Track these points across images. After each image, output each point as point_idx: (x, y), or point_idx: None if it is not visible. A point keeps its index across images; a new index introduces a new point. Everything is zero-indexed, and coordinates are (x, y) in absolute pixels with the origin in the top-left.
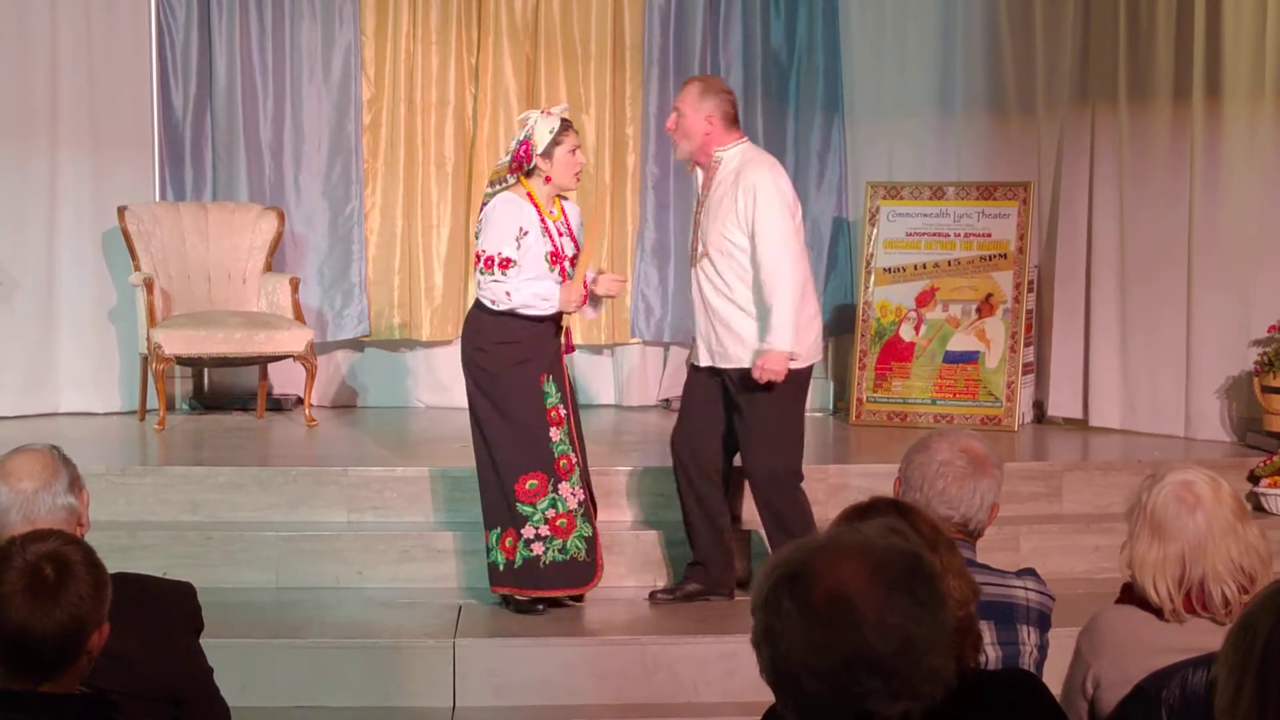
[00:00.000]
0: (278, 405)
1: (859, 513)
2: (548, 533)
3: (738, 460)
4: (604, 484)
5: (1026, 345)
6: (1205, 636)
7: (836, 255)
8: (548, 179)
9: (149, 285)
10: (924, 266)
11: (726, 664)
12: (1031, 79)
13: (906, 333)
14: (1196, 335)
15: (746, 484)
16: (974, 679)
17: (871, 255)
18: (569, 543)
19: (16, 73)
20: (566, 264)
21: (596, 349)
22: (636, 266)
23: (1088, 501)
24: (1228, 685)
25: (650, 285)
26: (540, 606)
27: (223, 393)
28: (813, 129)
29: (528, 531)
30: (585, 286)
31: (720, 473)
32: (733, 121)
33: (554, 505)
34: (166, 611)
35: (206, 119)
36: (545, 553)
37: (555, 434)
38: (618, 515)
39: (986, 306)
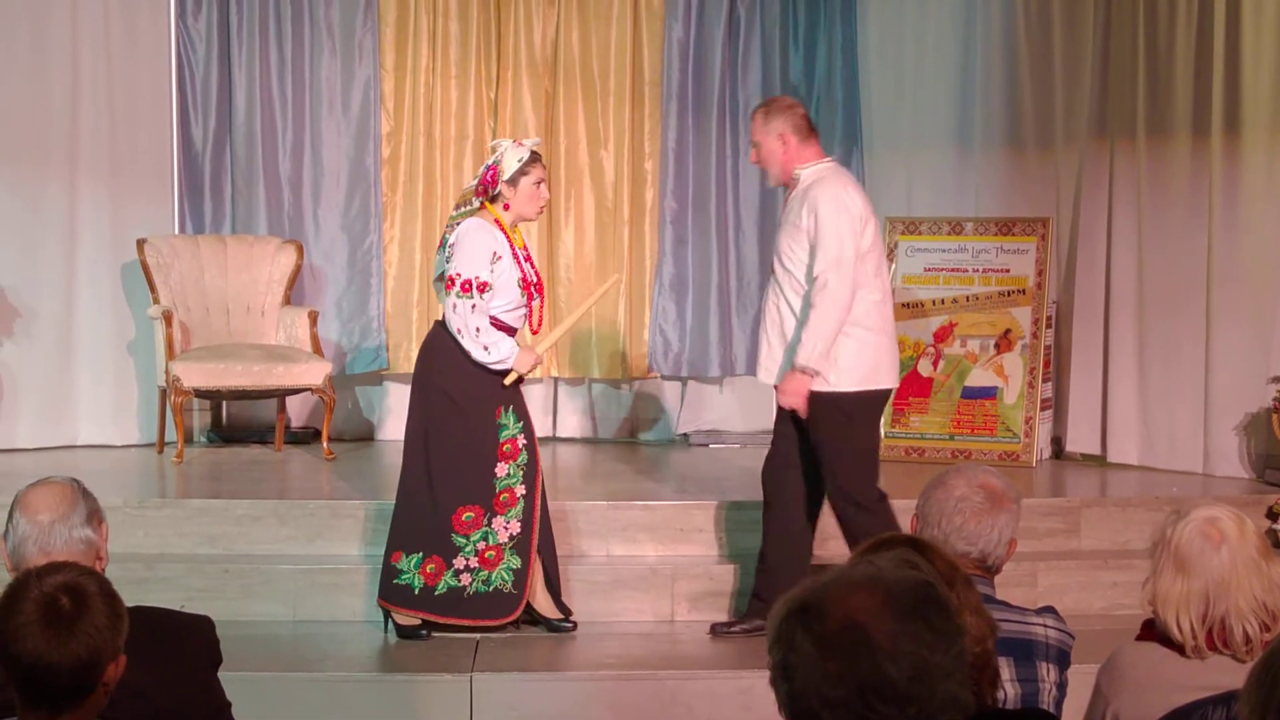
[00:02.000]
0: (296, 438)
1: (873, 549)
2: (476, 564)
3: None
4: (622, 519)
5: (1045, 381)
6: (1225, 675)
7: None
8: (506, 206)
9: (168, 318)
10: (942, 302)
11: (743, 699)
12: (1050, 114)
13: (925, 368)
14: (1215, 371)
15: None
16: (992, 716)
17: (890, 290)
18: (494, 574)
19: (37, 104)
20: (534, 287)
21: (615, 384)
22: (655, 301)
23: (1106, 538)
24: None
25: (669, 320)
26: (424, 632)
27: (241, 425)
28: None
29: (458, 562)
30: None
31: (796, 507)
32: (808, 135)
33: (485, 538)
34: (185, 645)
35: (226, 152)
36: (471, 584)
37: (502, 469)
38: (636, 550)
39: (1005, 342)
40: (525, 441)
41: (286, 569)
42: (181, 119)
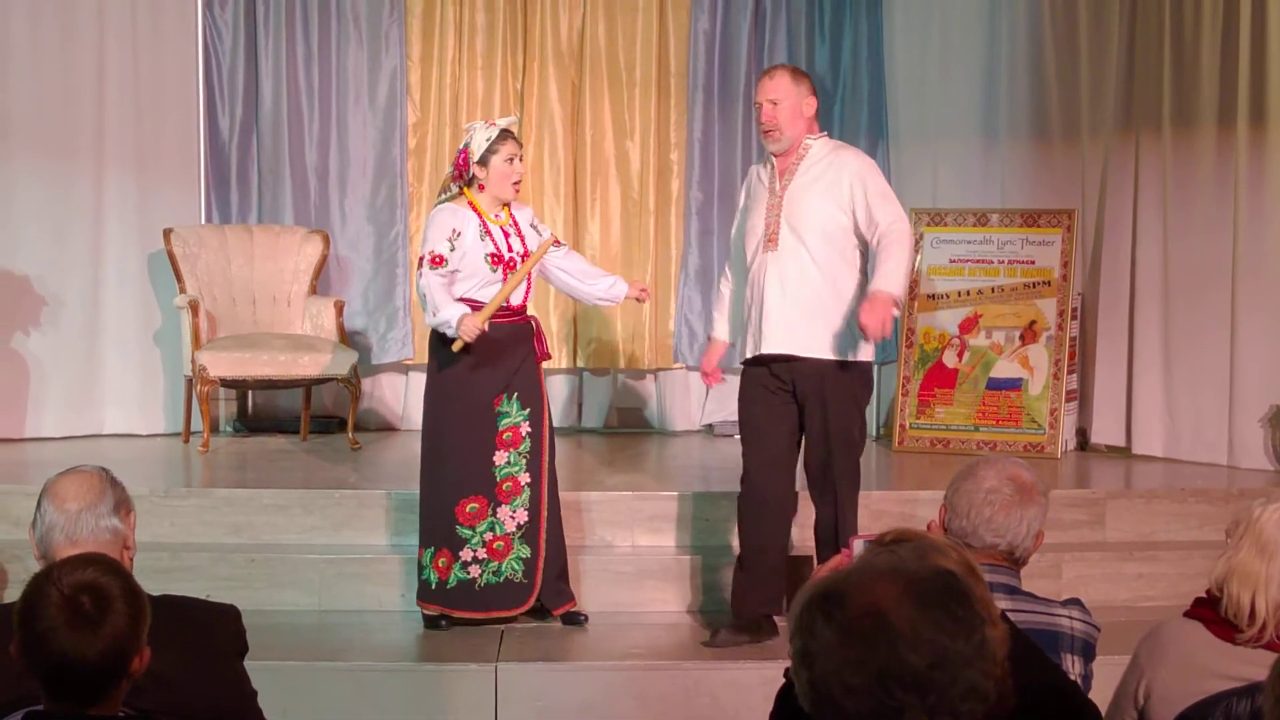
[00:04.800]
0: (321, 428)
1: (890, 544)
2: (484, 555)
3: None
4: (647, 509)
5: (1070, 372)
6: (1261, 668)
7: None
8: (481, 187)
9: (194, 308)
10: (968, 293)
11: (768, 689)
12: (1076, 105)
13: (950, 359)
14: (1240, 363)
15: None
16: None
17: (915, 281)
18: (504, 565)
19: (64, 96)
20: (519, 261)
21: (639, 374)
22: (680, 292)
23: (1130, 529)
24: (1273, 715)
25: (694, 310)
26: (444, 622)
27: (267, 415)
28: None
29: (465, 554)
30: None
31: (790, 504)
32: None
33: (492, 529)
34: (211, 634)
35: (252, 142)
36: (481, 575)
37: (501, 457)
38: (660, 540)
39: (1030, 333)
40: (530, 430)
41: (312, 558)
42: (208, 109)
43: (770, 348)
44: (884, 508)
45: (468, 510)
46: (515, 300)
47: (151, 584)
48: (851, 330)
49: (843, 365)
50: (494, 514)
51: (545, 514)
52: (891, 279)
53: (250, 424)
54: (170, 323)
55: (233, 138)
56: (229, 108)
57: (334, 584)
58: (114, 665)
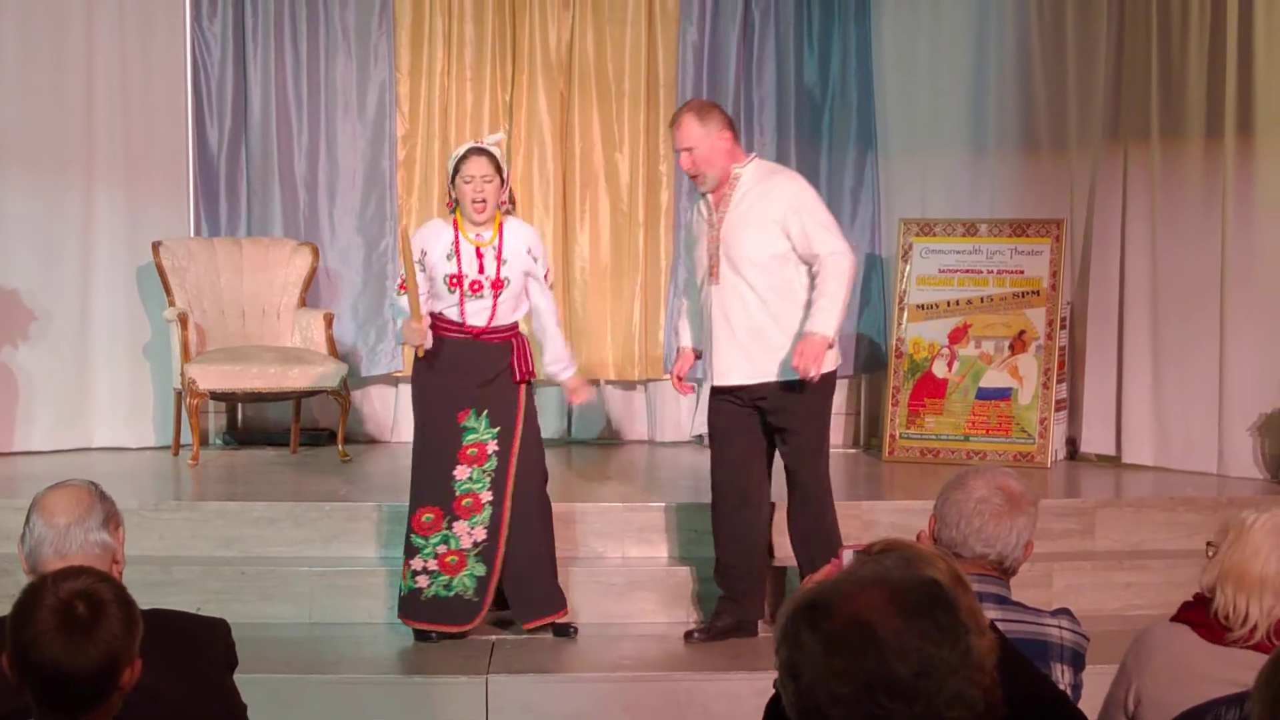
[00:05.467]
0: (311, 440)
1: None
2: (435, 568)
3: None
4: (638, 520)
5: (1059, 382)
6: (1249, 670)
7: (870, 291)
8: (450, 204)
9: (183, 320)
10: (957, 303)
11: (759, 700)
12: (1064, 116)
13: (939, 369)
14: (1229, 372)
15: (777, 516)
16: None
17: (904, 292)
18: (456, 580)
19: (52, 108)
20: (484, 285)
21: (629, 385)
22: (670, 303)
23: (1120, 539)
24: None
25: None
26: (434, 635)
27: (256, 428)
28: (846, 165)
29: (416, 563)
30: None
31: (761, 504)
32: (735, 130)
33: (445, 542)
34: (201, 648)
35: (241, 154)
36: (429, 587)
37: (463, 471)
38: (650, 551)
39: (1019, 343)
40: (498, 448)
41: (302, 571)
42: (197, 121)
43: (721, 380)
44: (874, 517)
45: (423, 520)
46: (476, 322)
47: (141, 598)
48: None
49: (798, 383)
50: (449, 528)
51: (505, 534)
52: (825, 318)
53: (240, 437)
54: (159, 336)
55: (221, 150)
56: (218, 120)
57: (324, 597)
58: (107, 673)
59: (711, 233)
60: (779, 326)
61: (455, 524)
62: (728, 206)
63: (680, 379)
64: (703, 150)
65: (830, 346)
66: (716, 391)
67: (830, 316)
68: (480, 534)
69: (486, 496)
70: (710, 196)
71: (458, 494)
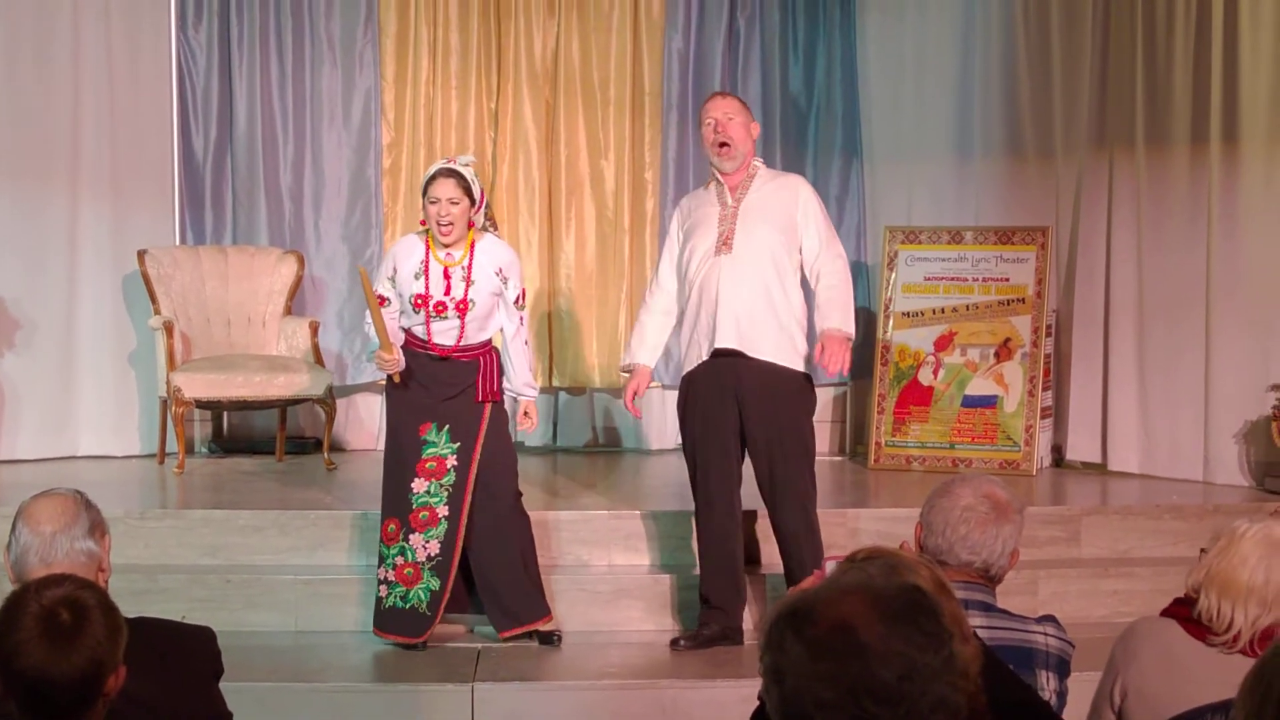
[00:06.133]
0: (297, 448)
1: (860, 561)
2: (394, 578)
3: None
4: (621, 528)
5: (1045, 389)
6: (1234, 673)
7: (855, 299)
8: (423, 222)
9: (168, 329)
10: (942, 311)
11: (745, 708)
12: (1049, 124)
13: (925, 377)
14: (1215, 380)
15: (761, 524)
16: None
17: (890, 299)
18: (412, 593)
19: (38, 116)
20: (448, 306)
21: (616, 393)
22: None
23: (1106, 546)
24: None
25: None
26: (420, 644)
27: (242, 436)
28: (831, 173)
29: (380, 573)
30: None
31: (739, 509)
32: None
33: (403, 554)
34: (186, 656)
35: (227, 163)
36: (388, 597)
37: (420, 485)
38: (635, 559)
39: (1005, 350)
40: (456, 464)
41: (288, 579)
42: (182, 130)
43: (723, 342)
44: (860, 525)
45: (388, 530)
46: (443, 341)
47: (127, 606)
48: (793, 340)
49: (789, 371)
50: (406, 539)
51: (459, 550)
52: (845, 316)
53: (225, 445)
54: (145, 344)
55: (207, 158)
56: (203, 128)
57: (310, 605)
58: (90, 680)
59: (725, 211)
60: (785, 308)
61: (411, 536)
62: (746, 190)
63: (634, 396)
64: (739, 125)
65: (849, 342)
66: (698, 372)
67: (849, 315)
68: (434, 548)
69: (443, 511)
70: (725, 180)
71: (415, 506)
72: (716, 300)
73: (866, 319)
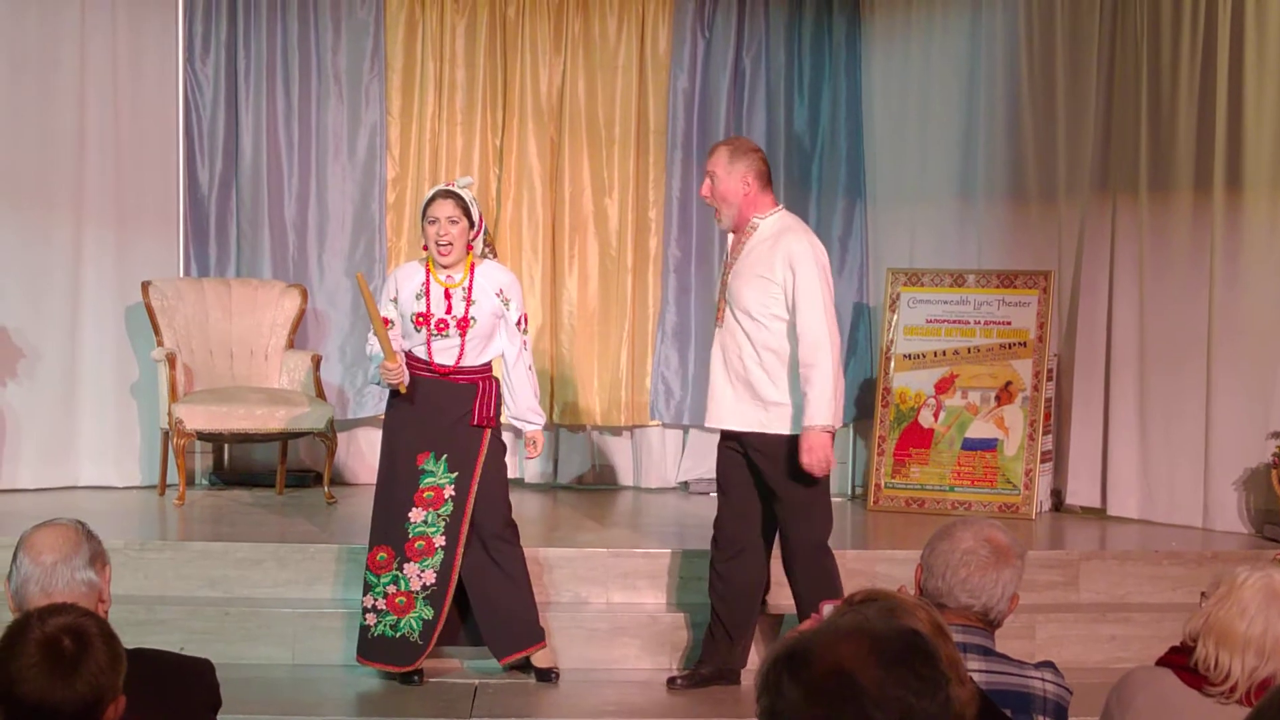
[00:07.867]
0: (298, 481)
1: (858, 604)
2: (384, 607)
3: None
4: (620, 566)
5: (1045, 433)
6: (1229, 717)
7: (857, 340)
8: (425, 247)
9: (171, 360)
10: (944, 353)
11: None
12: (1053, 168)
13: (926, 419)
14: (1215, 426)
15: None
16: None
17: (891, 341)
18: (403, 622)
19: (44, 147)
20: (450, 325)
21: (616, 431)
22: (657, 349)
23: (1105, 591)
24: None
25: (670, 368)
26: (416, 678)
27: (243, 468)
28: (834, 214)
29: (367, 601)
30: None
31: (756, 553)
32: (768, 182)
33: (395, 583)
34: (185, 688)
35: (232, 195)
36: (375, 625)
37: (417, 514)
38: (634, 597)
39: (1006, 394)
40: (454, 494)
41: (286, 612)
42: (188, 162)
43: (712, 422)
44: (858, 567)
45: (377, 558)
46: (443, 360)
47: (126, 637)
48: (793, 405)
49: (786, 438)
50: (399, 569)
51: (455, 580)
52: (816, 409)
53: (226, 477)
54: (147, 375)
55: (212, 191)
56: (209, 161)
57: (308, 638)
58: (91, 708)
59: (723, 277)
60: (770, 380)
61: (406, 565)
62: (739, 254)
63: None
64: (722, 182)
65: (831, 432)
66: (722, 437)
67: (823, 406)
68: (430, 577)
69: (440, 541)
70: (730, 239)
71: (411, 535)
72: (710, 378)
73: (868, 361)
